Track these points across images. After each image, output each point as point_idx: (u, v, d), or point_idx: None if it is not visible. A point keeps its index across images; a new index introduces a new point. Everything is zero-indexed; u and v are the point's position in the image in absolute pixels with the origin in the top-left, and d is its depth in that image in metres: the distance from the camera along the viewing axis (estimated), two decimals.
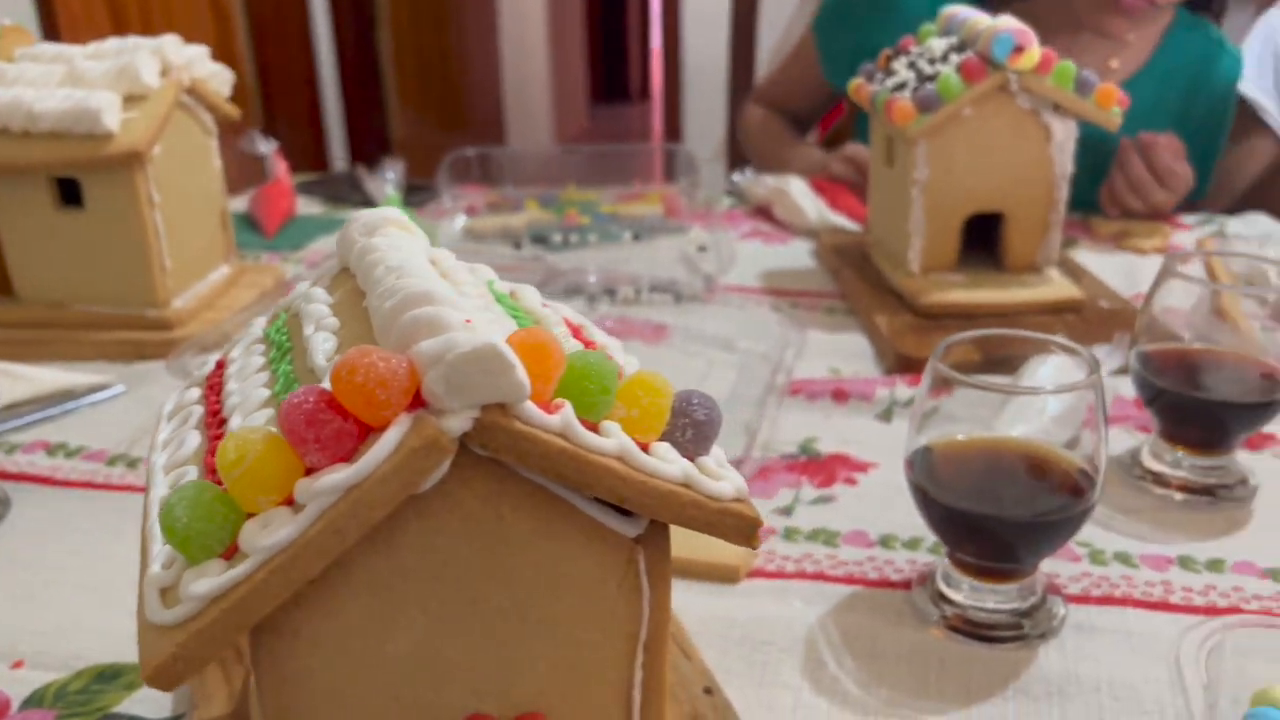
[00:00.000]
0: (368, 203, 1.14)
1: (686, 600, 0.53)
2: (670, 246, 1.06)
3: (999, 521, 0.49)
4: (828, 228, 1.07)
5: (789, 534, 0.59)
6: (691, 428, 0.32)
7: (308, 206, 1.22)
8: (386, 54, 3.05)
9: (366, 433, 0.28)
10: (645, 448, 0.31)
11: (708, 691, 0.45)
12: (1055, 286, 0.85)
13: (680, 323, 0.88)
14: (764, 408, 0.72)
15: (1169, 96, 1.20)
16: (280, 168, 1.18)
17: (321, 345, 0.33)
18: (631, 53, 5.67)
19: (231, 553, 0.28)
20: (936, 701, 0.47)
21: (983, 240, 0.87)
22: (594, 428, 0.30)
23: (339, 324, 0.34)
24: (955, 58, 0.83)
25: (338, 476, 0.27)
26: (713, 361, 0.80)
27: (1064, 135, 0.83)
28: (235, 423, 0.33)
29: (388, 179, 1.11)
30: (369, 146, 2.91)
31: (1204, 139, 1.22)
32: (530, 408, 0.28)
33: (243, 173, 1.26)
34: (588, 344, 0.38)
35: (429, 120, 3.30)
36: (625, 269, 0.96)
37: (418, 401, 0.28)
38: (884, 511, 0.61)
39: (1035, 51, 0.79)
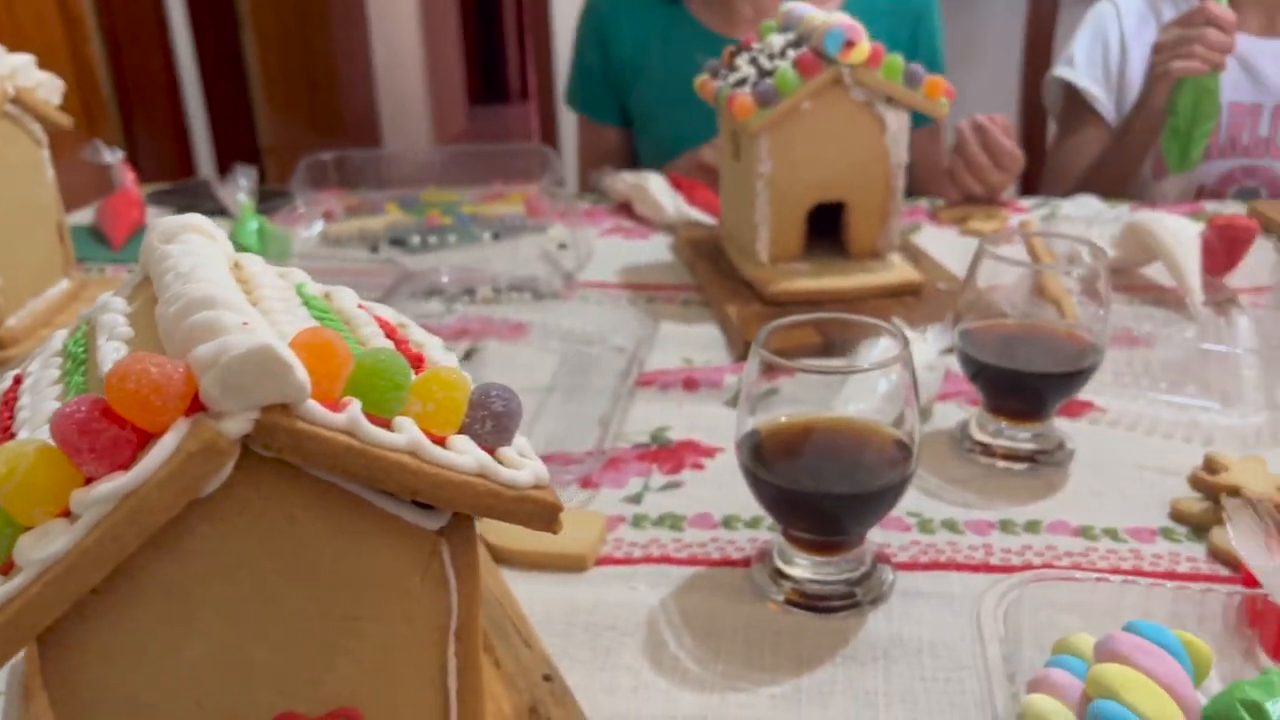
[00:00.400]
0: (220, 211, 1.11)
1: (533, 590, 0.54)
2: (531, 245, 1.06)
3: (821, 497, 0.51)
4: (685, 222, 1.09)
5: (637, 521, 0.61)
6: (490, 419, 0.33)
7: (159, 217, 1.18)
8: (252, 56, 2.97)
9: (146, 440, 0.28)
10: (441, 441, 0.32)
11: (547, 678, 0.46)
12: (895, 271, 0.88)
13: (539, 320, 0.88)
14: (617, 400, 0.73)
15: (873, 27, 1.25)
16: (128, 177, 1.15)
17: (112, 355, 0.32)
18: (510, 53, 5.64)
19: (8, 568, 0.27)
20: (770, 673, 0.49)
21: (828, 229, 0.91)
22: (386, 424, 0.30)
23: (132, 333, 0.34)
24: (792, 53, 0.86)
25: (113, 484, 0.26)
26: (568, 357, 0.81)
27: (897, 126, 0.87)
28: (22, 437, 0.32)
29: (240, 186, 1.08)
30: (237, 153, 2.82)
31: (918, 59, 1.27)
32: (313, 406, 0.28)
33: (98, 184, 1.22)
34: (401, 343, 0.38)
35: (300, 124, 3.22)
36: (486, 268, 0.96)
37: (197, 406, 0.28)
38: (729, 493, 0.62)
39: (865, 46, 0.82)
